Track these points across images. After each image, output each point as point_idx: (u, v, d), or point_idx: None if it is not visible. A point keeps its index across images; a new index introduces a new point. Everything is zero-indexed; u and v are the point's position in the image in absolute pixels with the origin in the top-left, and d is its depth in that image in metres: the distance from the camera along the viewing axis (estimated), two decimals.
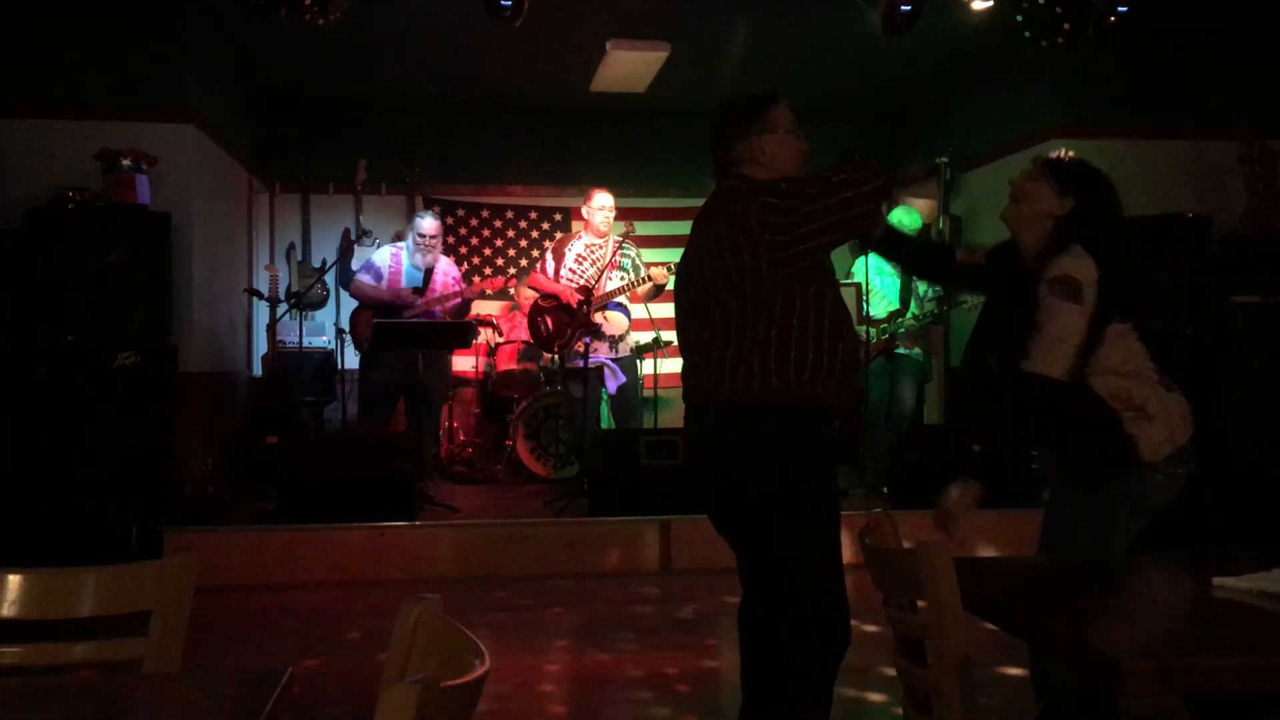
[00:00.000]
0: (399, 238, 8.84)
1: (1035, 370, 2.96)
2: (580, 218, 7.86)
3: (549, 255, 7.42)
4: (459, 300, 7.36)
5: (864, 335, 7.58)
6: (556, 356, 7.62)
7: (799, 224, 2.81)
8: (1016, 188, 3.12)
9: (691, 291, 3.03)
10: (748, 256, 2.85)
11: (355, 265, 8.11)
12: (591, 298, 7.03)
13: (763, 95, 3.12)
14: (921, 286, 7.73)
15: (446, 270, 7.49)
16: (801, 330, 2.85)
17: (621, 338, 7.26)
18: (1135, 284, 3.20)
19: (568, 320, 7.11)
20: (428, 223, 7.34)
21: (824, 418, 2.94)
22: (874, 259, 7.74)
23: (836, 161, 3.03)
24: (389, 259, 7.35)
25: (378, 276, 7.29)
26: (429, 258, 7.31)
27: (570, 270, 7.17)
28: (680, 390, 3.17)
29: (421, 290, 7.28)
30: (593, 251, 7.19)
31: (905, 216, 7.78)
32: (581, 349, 6.97)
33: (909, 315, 7.58)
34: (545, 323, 7.24)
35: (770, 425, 2.86)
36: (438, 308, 7.27)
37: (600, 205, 7.16)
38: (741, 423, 2.88)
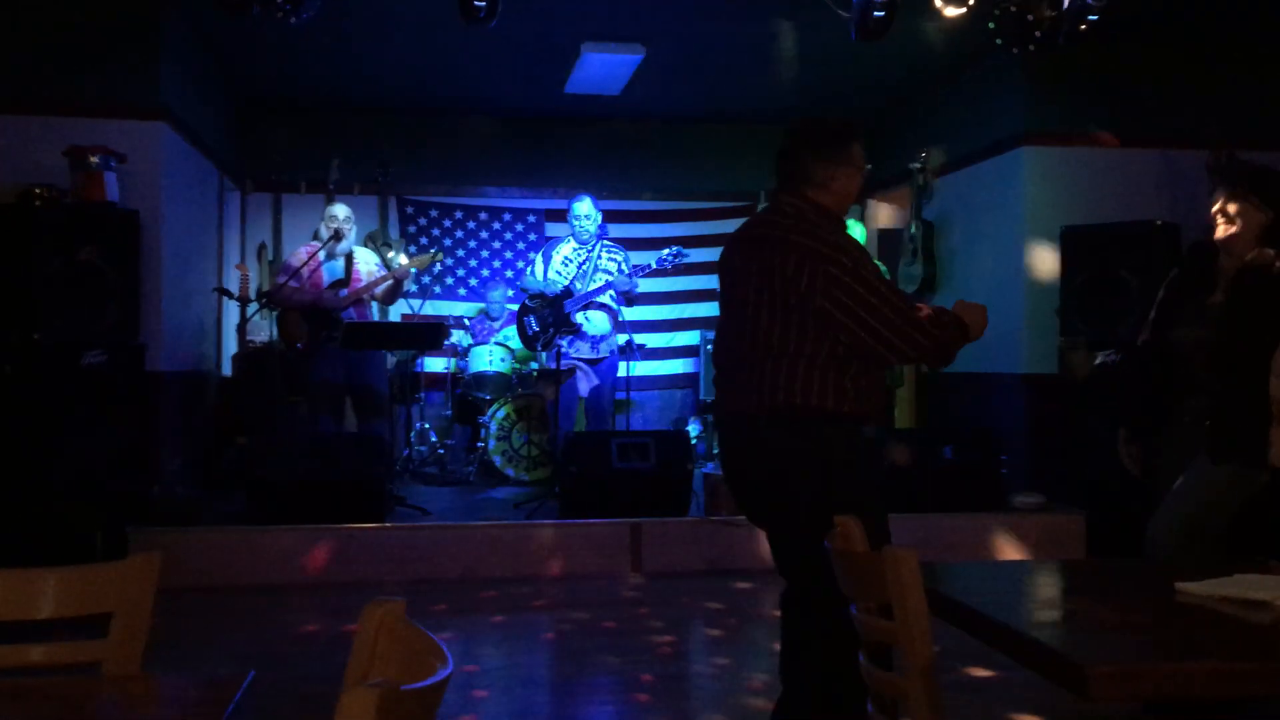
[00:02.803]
0: (371, 239, 8.81)
1: None
2: (562, 219, 7.90)
3: (539, 256, 7.52)
4: (390, 281, 7.24)
5: None
6: (540, 355, 7.67)
7: (847, 320, 3.00)
8: (1230, 212, 3.45)
9: (741, 306, 3.19)
10: (796, 298, 3.04)
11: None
12: (570, 297, 7.14)
13: (852, 127, 3.27)
14: None
15: (365, 259, 7.37)
16: (830, 355, 3.05)
17: (603, 338, 7.31)
18: None
19: (550, 320, 7.18)
20: (338, 209, 7.22)
21: (853, 426, 3.14)
22: None
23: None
24: (304, 256, 7.17)
25: (298, 278, 7.10)
26: (343, 245, 7.16)
27: (557, 273, 7.28)
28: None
29: (346, 281, 7.19)
30: (576, 254, 7.29)
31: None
32: (559, 347, 7.05)
33: None
34: (530, 322, 7.32)
35: (808, 432, 3.07)
36: (366, 295, 7.20)
37: (579, 212, 7.25)
38: (782, 430, 3.08)
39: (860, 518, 3.03)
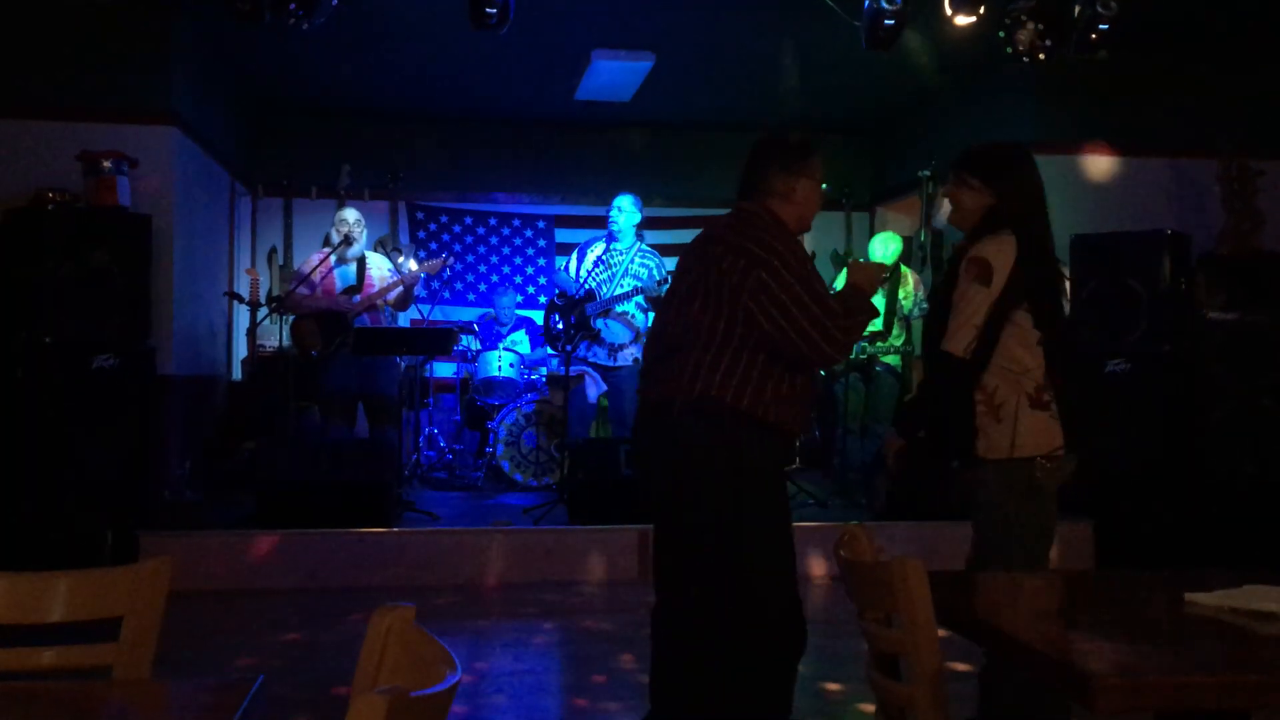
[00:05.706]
0: (381, 244, 8.83)
1: (945, 348, 3.10)
2: (572, 226, 7.96)
3: (575, 254, 7.51)
4: (400, 288, 7.25)
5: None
6: (560, 352, 7.69)
7: (770, 314, 3.05)
8: (951, 197, 3.29)
9: (675, 298, 3.23)
10: (729, 293, 3.10)
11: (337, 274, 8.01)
12: (594, 300, 7.14)
13: (812, 142, 3.36)
14: (907, 305, 7.74)
15: (378, 264, 7.40)
16: (752, 357, 3.09)
17: (621, 348, 7.29)
18: (1051, 288, 3.26)
19: (574, 322, 7.18)
20: (349, 213, 7.25)
21: (780, 437, 3.16)
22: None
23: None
24: (316, 262, 7.20)
25: (310, 284, 7.12)
26: (354, 250, 7.18)
27: (587, 273, 7.26)
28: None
29: (359, 287, 7.20)
30: (607, 256, 7.25)
31: (883, 246, 7.79)
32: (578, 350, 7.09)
33: (890, 339, 7.62)
34: (555, 320, 7.32)
35: (720, 427, 3.07)
36: (379, 301, 7.21)
37: (614, 205, 7.23)
38: (695, 420, 3.08)
39: (754, 530, 3.05)
